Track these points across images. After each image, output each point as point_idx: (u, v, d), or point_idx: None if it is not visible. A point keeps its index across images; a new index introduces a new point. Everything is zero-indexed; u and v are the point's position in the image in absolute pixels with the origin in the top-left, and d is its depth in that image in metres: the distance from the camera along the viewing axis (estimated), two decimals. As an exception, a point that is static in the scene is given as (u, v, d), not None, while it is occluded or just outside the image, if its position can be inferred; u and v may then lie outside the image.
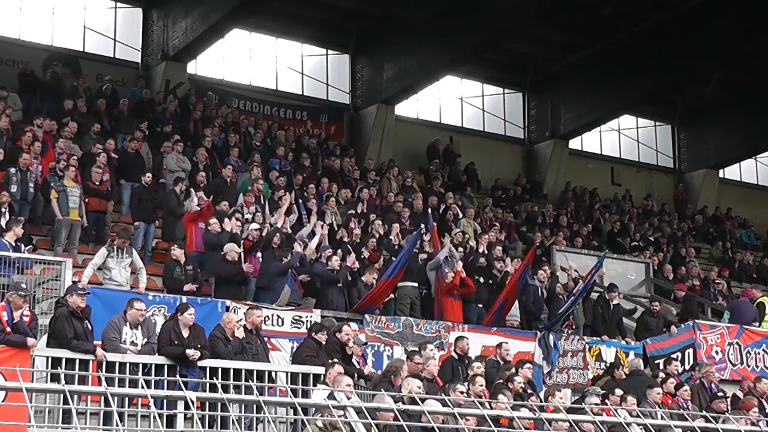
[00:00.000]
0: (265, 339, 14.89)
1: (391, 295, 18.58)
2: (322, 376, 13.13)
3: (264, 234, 18.35)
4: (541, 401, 14.12)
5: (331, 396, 8.97)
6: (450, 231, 22.37)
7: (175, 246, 17.04)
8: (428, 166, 28.62)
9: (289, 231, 19.41)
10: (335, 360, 13.54)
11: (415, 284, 18.98)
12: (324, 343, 14.51)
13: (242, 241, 17.89)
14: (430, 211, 22.33)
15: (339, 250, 18.60)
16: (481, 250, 21.11)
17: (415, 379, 12.42)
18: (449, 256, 19.48)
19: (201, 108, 25.30)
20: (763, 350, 20.96)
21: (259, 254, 18.15)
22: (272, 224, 19.28)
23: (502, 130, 33.35)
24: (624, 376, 17.05)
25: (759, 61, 30.21)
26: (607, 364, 18.82)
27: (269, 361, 14.51)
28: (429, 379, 14.28)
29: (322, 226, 19.82)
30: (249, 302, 16.12)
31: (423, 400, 9.16)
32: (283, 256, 17.50)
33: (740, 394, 17.01)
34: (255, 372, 13.37)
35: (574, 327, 20.12)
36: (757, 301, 22.47)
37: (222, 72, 28.97)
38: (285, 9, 28.02)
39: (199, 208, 18.59)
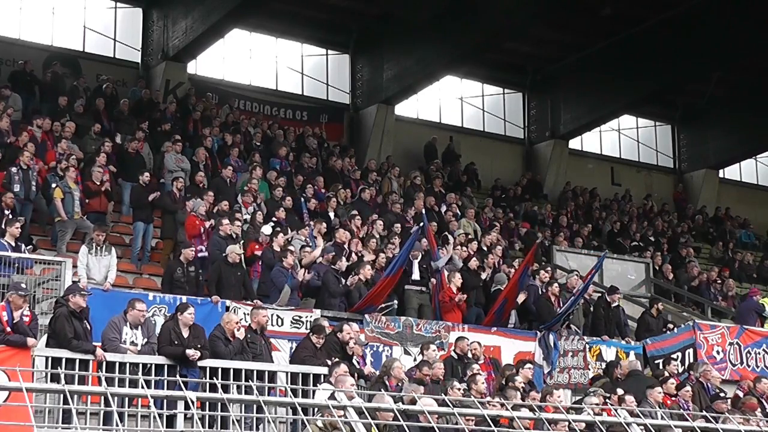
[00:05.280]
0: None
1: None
2: (325, 376, 13.11)
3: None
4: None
5: (331, 396, 8.98)
6: (451, 231, 22.32)
7: (191, 248, 16.91)
8: (427, 166, 28.61)
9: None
10: (339, 359, 13.51)
11: (422, 288, 18.89)
12: (322, 344, 14.48)
13: (250, 244, 17.83)
14: (424, 211, 22.28)
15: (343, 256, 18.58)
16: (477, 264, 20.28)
17: (419, 386, 12.41)
18: (451, 260, 19.50)
19: (201, 108, 25.28)
20: (763, 350, 20.95)
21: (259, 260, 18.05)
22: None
23: (502, 130, 33.35)
24: (622, 376, 17.03)
25: (759, 61, 30.20)
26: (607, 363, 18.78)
27: (273, 362, 14.48)
28: (435, 381, 14.27)
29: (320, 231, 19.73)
30: (250, 302, 16.07)
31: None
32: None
33: (740, 394, 16.99)
34: (255, 372, 13.37)
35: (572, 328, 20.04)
36: (759, 302, 22.46)
37: (222, 72, 28.96)
38: (285, 9, 28.01)
39: (204, 211, 18.55)
